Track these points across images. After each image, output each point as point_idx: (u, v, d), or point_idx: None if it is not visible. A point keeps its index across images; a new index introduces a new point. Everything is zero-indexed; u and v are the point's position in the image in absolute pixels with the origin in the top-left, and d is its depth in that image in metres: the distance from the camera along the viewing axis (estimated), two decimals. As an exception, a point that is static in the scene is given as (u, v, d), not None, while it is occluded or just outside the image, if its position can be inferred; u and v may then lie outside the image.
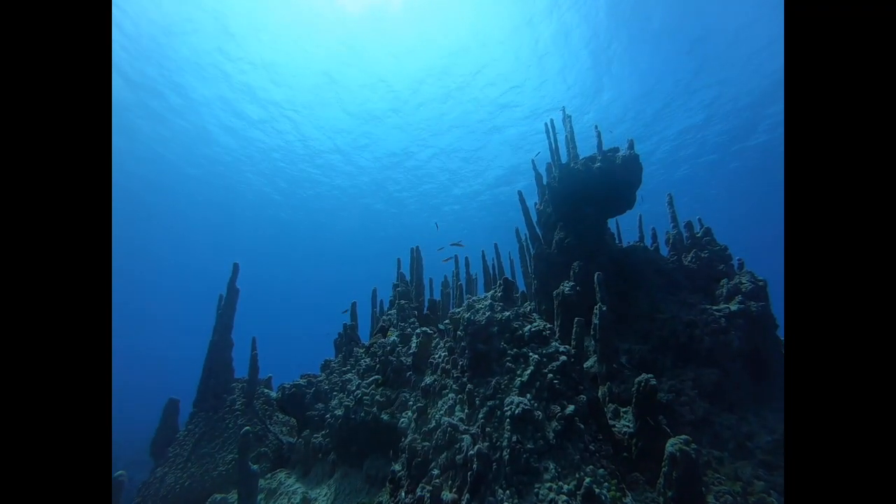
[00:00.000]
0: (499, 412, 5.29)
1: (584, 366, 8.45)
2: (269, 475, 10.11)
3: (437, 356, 6.47)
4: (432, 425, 5.55)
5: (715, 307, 9.68)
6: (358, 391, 7.91)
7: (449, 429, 5.22)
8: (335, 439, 8.31)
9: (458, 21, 23.82)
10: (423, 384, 6.24)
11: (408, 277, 11.55)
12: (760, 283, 9.93)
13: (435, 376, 6.18)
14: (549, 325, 6.53)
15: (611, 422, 7.13)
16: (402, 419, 6.62)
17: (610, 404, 7.69)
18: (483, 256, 12.34)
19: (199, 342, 12.75)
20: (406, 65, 26.69)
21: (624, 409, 7.57)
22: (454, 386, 5.78)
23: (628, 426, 7.07)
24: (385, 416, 7.54)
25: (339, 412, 8.06)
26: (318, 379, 10.98)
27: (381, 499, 6.66)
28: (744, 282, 9.98)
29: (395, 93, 28.54)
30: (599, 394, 7.93)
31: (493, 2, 21.99)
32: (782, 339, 10.34)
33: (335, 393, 9.29)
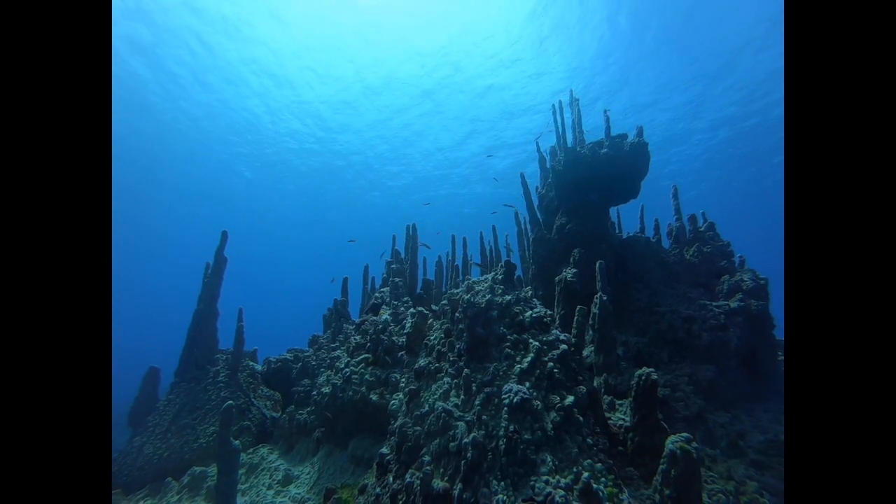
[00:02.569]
0: (496, 400, 5.04)
1: (583, 354, 8.24)
2: (251, 450, 9.87)
3: (432, 338, 6.18)
4: (425, 409, 5.29)
5: (715, 303, 9.50)
6: (347, 369, 7.64)
7: (443, 414, 4.96)
8: (321, 417, 8.05)
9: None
10: (416, 366, 5.96)
11: (402, 255, 11.21)
12: (762, 282, 9.76)
13: (430, 359, 5.90)
14: (549, 312, 6.27)
15: (606, 414, 6.94)
16: (393, 401, 6.36)
17: (605, 396, 7.49)
18: (481, 238, 12.01)
19: (186, 310, 12.36)
20: (409, 49, 26.12)
21: (620, 402, 7.38)
22: (450, 370, 5.51)
23: (624, 419, 6.88)
24: (374, 397, 7.28)
25: (326, 390, 7.79)
26: (306, 354, 10.68)
27: (366, 481, 6.44)
28: (745, 279, 9.80)
29: (392, 75, 27.91)
30: (595, 384, 7.74)
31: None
32: (778, 338, 10.26)
33: (323, 370, 9.02)
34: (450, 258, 12.25)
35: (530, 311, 5.98)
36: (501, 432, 4.75)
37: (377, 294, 9.84)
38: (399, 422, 5.56)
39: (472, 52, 25.84)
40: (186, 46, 24.05)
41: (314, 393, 8.37)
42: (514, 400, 4.91)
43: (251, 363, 12.45)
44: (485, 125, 31.92)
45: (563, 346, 5.82)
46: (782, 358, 10.59)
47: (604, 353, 7.84)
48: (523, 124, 30.79)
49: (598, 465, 5.14)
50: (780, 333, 10.23)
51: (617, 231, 12.03)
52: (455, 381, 5.36)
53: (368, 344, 7.95)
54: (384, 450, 5.78)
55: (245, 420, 10.92)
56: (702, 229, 10.91)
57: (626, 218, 12.51)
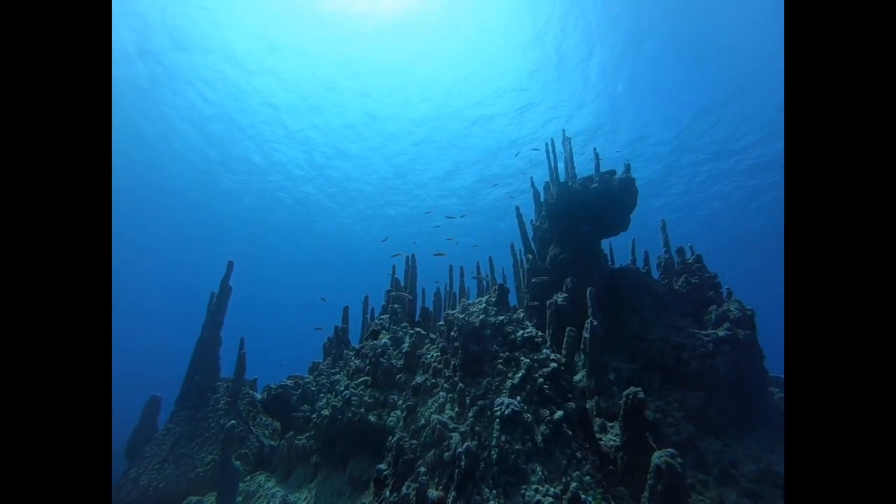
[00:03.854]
0: (489, 412, 5.33)
1: (574, 379, 8.49)
2: (248, 477, 9.90)
3: (428, 356, 6.51)
4: (421, 423, 5.56)
5: (703, 332, 9.82)
6: (346, 391, 7.87)
7: (438, 426, 5.23)
8: (320, 440, 8.21)
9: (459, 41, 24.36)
10: (413, 383, 6.26)
11: (402, 284, 11.61)
12: (748, 312, 10.10)
13: (426, 375, 6.21)
14: (541, 333, 6.62)
15: (597, 435, 7.15)
16: (391, 418, 6.59)
17: (597, 418, 7.71)
18: (477, 268, 12.46)
19: (187, 338, 12.61)
20: (407, 78, 27.09)
21: (611, 424, 7.60)
22: (445, 385, 5.81)
23: (615, 440, 7.09)
24: (372, 418, 7.49)
25: (325, 412, 8.00)
26: (306, 381, 10.88)
27: (364, 500, 6.58)
28: (732, 309, 10.15)
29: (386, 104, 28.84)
30: (588, 407, 7.96)
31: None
32: (771, 373, 10.50)
33: (322, 394, 9.22)
34: (448, 288, 12.66)
35: (522, 331, 6.33)
36: (494, 442, 5.01)
37: (377, 321, 10.16)
38: (396, 436, 5.80)
39: (464, 84, 26.93)
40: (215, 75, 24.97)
41: (314, 416, 8.56)
42: (506, 412, 5.20)
43: (251, 392, 12.57)
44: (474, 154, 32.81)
45: (554, 365, 6.14)
46: (776, 393, 10.79)
47: (595, 376, 8.11)
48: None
49: (587, 477, 5.36)
50: (770, 365, 10.46)
51: (610, 263, 12.48)
52: (450, 394, 5.65)
53: (368, 367, 8.22)
54: (381, 466, 5.99)
55: (243, 448, 10.97)
56: (689, 261, 11.35)
57: (619, 251, 12.97)
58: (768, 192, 31.26)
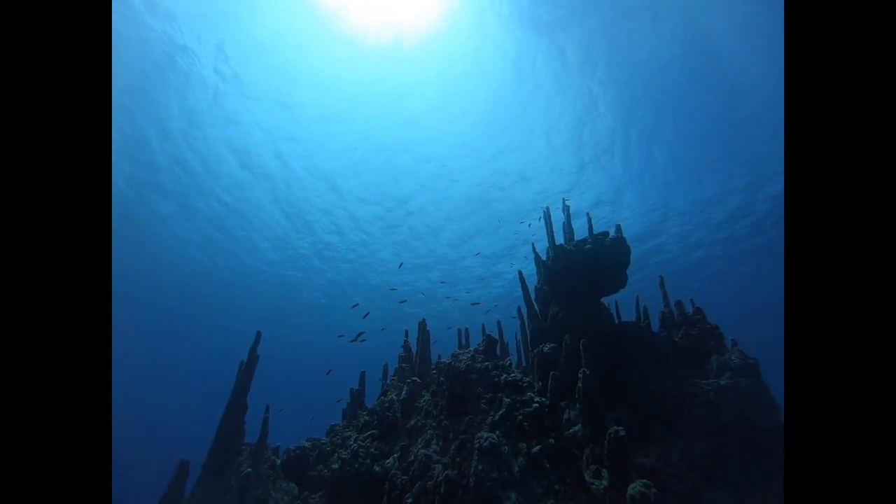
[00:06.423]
0: (469, 445, 5.87)
1: (570, 432, 8.76)
2: (265, 539, 10.19)
3: (421, 401, 7.14)
4: (411, 459, 6.11)
5: (704, 381, 9.97)
6: (355, 444, 8.43)
7: (424, 459, 5.79)
8: (329, 494, 8.64)
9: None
10: (408, 425, 6.86)
11: (414, 349, 12.33)
12: (750, 361, 10.24)
13: (418, 417, 6.81)
14: (526, 378, 7.19)
15: (590, 480, 7.36)
16: (389, 461, 7.11)
17: (592, 465, 7.90)
18: (483, 330, 13.11)
19: (212, 406, 13.42)
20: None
21: (605, 470, 7.77)
22: (433, 423, 6.41)
23: (606, 485, 7.29)
24: (377, 468, 7.96)
25: (335, 465, 8.52)
26: (322, 442, 11.37)
27: (365, 545, 6.95)
28: (733, 358, 10.33)
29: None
30: (584, 457, 8.17)
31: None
32: (782, 419, 10.36)
33: (336, 452, 9.73)
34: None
35: (505, 376, 6.95)
36: (472, 471, 5.51)
37: (388, 382, 10.84)
38: (391, 474, 6.34)
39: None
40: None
41: (325, 470, 9.05)
42: (484, 444, 5.72)
43: (272, 457, 13.04)
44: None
45: (536, 405, 6.66)
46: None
47: (590, 424, 8.37)
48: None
49: (564, 508, 5.70)
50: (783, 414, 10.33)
51: (616, 321, 12.89)
52: (436, 431, 6.23)
53: (375, 421, 8.79)
54: (378, 506, 6.47)
55: (262, 512, 11.30)
56: (689, 314, 11.70)
57: (624, 308, 13.40)
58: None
